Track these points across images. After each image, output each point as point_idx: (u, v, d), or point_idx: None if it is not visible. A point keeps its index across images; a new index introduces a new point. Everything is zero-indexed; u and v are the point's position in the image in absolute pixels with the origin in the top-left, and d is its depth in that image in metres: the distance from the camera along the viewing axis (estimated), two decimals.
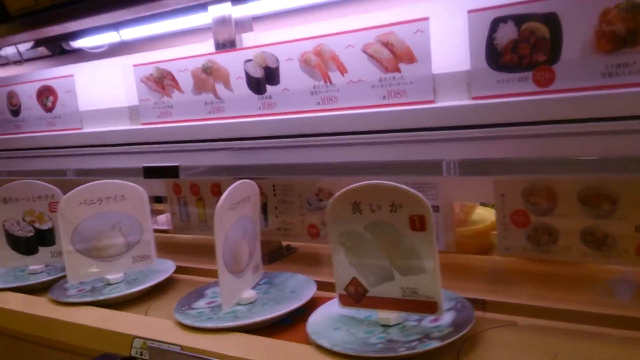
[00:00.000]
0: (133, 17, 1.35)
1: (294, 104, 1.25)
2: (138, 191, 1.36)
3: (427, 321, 1.00)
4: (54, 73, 1.67)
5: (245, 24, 1.38)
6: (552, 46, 0.98)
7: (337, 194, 1.01)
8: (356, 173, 1.11)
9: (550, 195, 1.10)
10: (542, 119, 0.99)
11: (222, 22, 1.36)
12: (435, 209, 1.21)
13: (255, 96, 1.30)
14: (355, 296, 1.02)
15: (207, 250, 1.67)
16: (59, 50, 2.06)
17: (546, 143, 0.99)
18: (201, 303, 1.21)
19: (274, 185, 1.41)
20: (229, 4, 1.34)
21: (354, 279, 1.01)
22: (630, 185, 1.02)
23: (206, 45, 1.40)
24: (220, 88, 1.34)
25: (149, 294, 1.34)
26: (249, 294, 1.18)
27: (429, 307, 0.96)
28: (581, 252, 1.08)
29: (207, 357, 0.99)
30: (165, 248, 1.77)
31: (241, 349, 0.99)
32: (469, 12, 1.02)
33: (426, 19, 1.07)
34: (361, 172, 1.11)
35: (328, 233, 1.03)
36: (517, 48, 1.00)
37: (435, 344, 0.90)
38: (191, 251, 1.66)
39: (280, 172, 1.28)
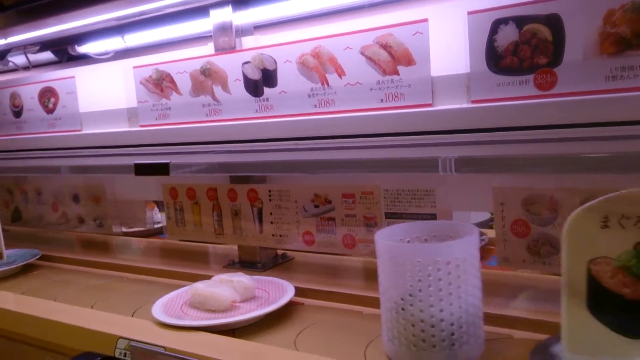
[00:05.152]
0: (133, 11, 1.34)
1: (291, 107, 1.23)
2: None
3: None
4: (55, 75, 1.67)
5: (246, 31, 1.37)
6: (554, 48, 0.95)
7: None
8: (352, 171, 1.08)
9: (552, 204, 1.06)
10: (543, 124, 0.95)
11: (223, 28, 1.35)
12: (433, 217, 1.17)
13: (253, 98, 1.28)
14: None
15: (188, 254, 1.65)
16: (66, 57, 2.07)
17: (547, 148, 0.95)
18: None
19: (269, 191, 1.38)
20: (229, 9, 1.34)
21: None
22: None
23: (206, 49, 1.39)
24: (218, 90, 1.33)
25: None
26: None
27: None
28: None
29: (190, 358, 0.96)
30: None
31: (219, 351, 0.96)
32: (469, 13, 1.00)
33: (425, 20, 1.05)
34: (357, 170, 1.08)
35: None
36: (518, 50, 0.98)
37: None
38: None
39: (274, 170, 1.25)
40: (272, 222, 1.39)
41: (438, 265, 0.85)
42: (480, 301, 0.91)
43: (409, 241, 0.99)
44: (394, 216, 1.22)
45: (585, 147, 0.92)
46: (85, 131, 1.62)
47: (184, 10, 1.37)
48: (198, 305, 1.16)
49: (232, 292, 1.17)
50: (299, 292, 1.23)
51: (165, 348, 1.00)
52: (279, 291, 1.21)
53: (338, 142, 1.16)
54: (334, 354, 0.92)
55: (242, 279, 1.21)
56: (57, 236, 2.04)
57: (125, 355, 1.04)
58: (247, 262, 1.47)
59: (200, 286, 1.18)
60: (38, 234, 2.08)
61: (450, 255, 0.85)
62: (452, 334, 0.86)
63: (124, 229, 1.84)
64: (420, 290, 0.85)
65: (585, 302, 0.74)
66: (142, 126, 1.48)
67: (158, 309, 1.15)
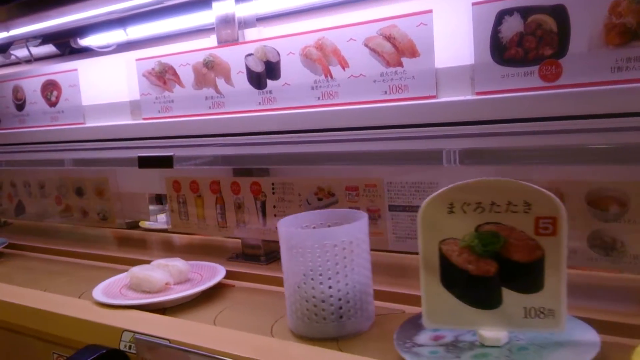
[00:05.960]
0: (135, 4, 1.33)
1: (294, 99, 1.23)
2: None
3: None
4: (58, 68, 1.67)
5: (249, 23, 1.37)
6: (560, 39, 0.94)
7: None
8: (355, 163, 1.08)
9: (557, 196, 1.05)
10: (548, 115, 0.95)
11: (225, 20, 1.34)
12: None
13: (256, 91, 1.28)
14: None
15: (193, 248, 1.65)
16: (68, 50, 2.06)
17: (552, 140, 0.95)
18: None
19: (273, 184, 1.38)
20: (232, 1, 1.33)
21: None
22: None
23: (209, 42, 1.39)
24: (221, 83, 1.33)
25: None
26: None
27: None
28: (588, 257, 1.03)
29: (196, 351, 0.96)
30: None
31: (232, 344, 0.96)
32: (474, 4, 1.00)
33: (429, 11, 1.04)
34: (360, 162, 1.09)
35: None
36: (523, 41, 0.97)
37: None
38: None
39: (278, 162, 1.25)
40: (275, 215, 1.39)
41: (326, 248, 0.96)
42: (370, 279, 1.02)
43: (314, 227, 1.08)
44: (397, 209, 1.22)
45: (590, 138, 0.91)
46: (88, 124, 1.62)
47: (186, 2, 1.36)
48: (135, 287, 1.26)
49: (166, 275, 1.26)
50: (231, 275, 1.33)
51: (169, 341, 1.00)
52: (211, 274, 1.31)
53: (341, 135, 1.16)
54: (245, 328, 1.00)
55: (176, 264, 1.31)
56: (55, 229, 2.05)
57: (130, 347, 1.05)
58: (251, 255, 1.47)
59: (137, 270, 1.28)
60: (40, 227, 2.09)
61: (336, 239, 0.96)
62: (340, 308, 0.98)
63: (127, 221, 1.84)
64: (311, 270, 0.97)
65: (439, 277, 0.85)
66: (145, 119, 1.47)
67: (99, 291, 1.25)
